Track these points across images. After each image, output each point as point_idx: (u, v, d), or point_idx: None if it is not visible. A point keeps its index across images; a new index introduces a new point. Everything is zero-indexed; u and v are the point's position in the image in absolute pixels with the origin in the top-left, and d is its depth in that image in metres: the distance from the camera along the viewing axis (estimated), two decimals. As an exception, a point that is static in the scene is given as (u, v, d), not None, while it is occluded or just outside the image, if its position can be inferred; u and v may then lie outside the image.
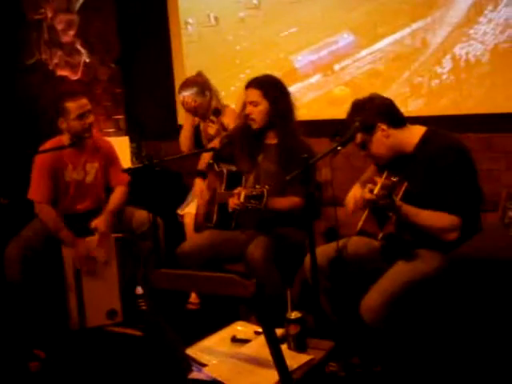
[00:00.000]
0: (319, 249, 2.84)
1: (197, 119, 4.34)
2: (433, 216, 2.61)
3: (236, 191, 3.16)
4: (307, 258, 2.83)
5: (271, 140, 3.43)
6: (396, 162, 2.79)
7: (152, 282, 2.16)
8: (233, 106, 4.17)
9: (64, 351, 3.48)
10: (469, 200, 2.66)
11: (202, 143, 4.32)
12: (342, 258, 2.87)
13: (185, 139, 4.36)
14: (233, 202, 3.18)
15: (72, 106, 3.66)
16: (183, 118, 4.46)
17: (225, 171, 3.48)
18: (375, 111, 2.74)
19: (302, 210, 3.23)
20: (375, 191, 2.52)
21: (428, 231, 2.63)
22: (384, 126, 2.73)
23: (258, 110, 3.35)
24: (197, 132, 4.36)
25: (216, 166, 3.56)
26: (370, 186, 2.58)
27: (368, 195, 2.56)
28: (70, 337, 3.65)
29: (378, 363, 2.86)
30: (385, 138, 2.73)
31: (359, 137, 2.76)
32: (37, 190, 3.71)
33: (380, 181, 2.56)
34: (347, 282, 2.95)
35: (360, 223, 2.84)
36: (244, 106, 3.43)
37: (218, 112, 4.21)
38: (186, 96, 4.22)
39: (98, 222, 3.74)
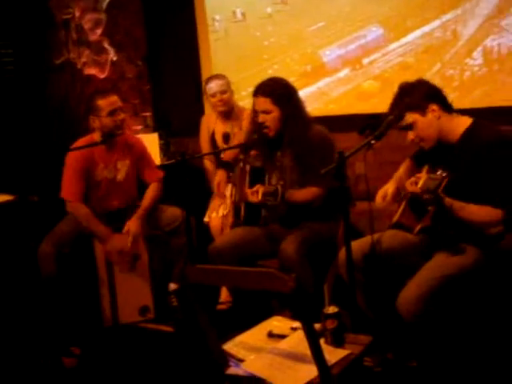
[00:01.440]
0: (353, 243, 2.82)
1: (211, 125, 4.34)
2: (478, 210, 2.56)
3: (254, 189, 3.19)
4: (341, 253, 2.81)
5: (286, 137, 3.40)
6: (436, 155, 2.76)
7: (189, 277, 2.15)
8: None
9: (98, 347, 3.50)
10: None
11: (218, 146, 4.32)
12: (376, 253, 2.85)
13: (204, 143, 4.43)
14: (252, 200, 3.20)
15: (103, 103, 3.67)
16: (205, 122, 4.48)
17: (247, 169, 3.47)
18: (426, 92, 2.73)
19: (323, 200, 3.28)
20: (419, 184, 2.49)
21: (472, 225, 2.58)
22: (435, 107, 2.70)
23: (272, 118, 3.32)
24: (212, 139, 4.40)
25: (242, 163, 3.55)
26: (413, 178, 2.55)
27: (411, 188, 2.53)
28: (104, 333, 3.67)
29: (414, 358, 2.84)
30: (435, 120, 2.71)
31: (409, 117, 2.73)
32: (69, 189, 3.73)
33: (423, 174, 2.53)
34: (382, 277, 2.93)
35: (396, 216, 2.81)
36: (255, 113, 3.39)
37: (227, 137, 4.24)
38: (214, 86, 4.22)
39: (131, 224, 3.75)
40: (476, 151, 2.62)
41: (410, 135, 2.78)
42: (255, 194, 3.17)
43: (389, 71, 4.48)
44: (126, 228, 3.74)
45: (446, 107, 2.74)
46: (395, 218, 2.85)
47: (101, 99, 3.68)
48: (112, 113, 3.67)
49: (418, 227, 2.74)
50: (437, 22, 4.22)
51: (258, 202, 3.17)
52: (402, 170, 3.04)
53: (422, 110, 2.71)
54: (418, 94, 2.72)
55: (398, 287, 2.79)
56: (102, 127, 3.70)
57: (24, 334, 3.49)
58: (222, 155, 4.19)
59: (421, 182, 2.51)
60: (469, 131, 2.71)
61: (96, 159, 3.76)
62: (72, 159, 3.72)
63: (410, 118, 2.73)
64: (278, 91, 3.32)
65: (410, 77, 4.31)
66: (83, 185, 3.74)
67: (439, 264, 2.64)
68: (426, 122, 2.72)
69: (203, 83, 4.45)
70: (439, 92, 2.77)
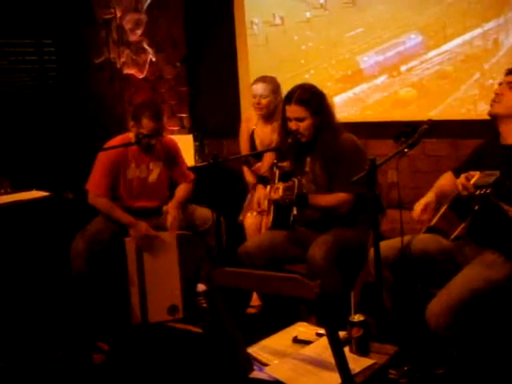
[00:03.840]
0: (384, 243, 2.80)
1: (251, 126, 4.36)
2: None
3: (275, 186, 3.21)
4: (371, 252, 2.79)
5: (318, 144, 3.39)
6: (486, 158, 2.73)
7: (216, 280, 2.17)
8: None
9: (126, 345, 3.54)
10: None
11: (257, 148, 4.33)
12: (407, 254, 2.82)
13: (244, 143, 4.44)
14: (273, 197, 3.22)
15: (148, 124, 3.69)
16: (245, 121, 4.50)
17: (277, 173, 3.48)
18: None
19: (351, 206, 3.27)
20: (473, 180, 2.46)
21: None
22: None
23: (305, 125, 3.31)
24: (251, 139, 4.40)
25: (275, 168, 3.56)
26: (465, 174, 2.52)
27: (463, 182, 2.50)
28: (132, 331, 3.71)
29: (440, 366, 2.82)
30: None
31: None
32: (94, 182, 3.80)
33: (476, 172, 2.50)
34: (411, 279, 2.91)
35: (434, 220, 2.79)
36: (285, 120, 3.38)
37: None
38: (257, 88, 4.23)
39: (169, 207, 3.84)
40: None
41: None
42: (276, 190, 3.18)
43: (426, 79, 4.44)
44: (164, 208, 3.84)
45: None
46: (433, 222, 2.82)
47: (148, 120, 3.69)
48: (149, 136, 3.71)
49: (455, 233, 2.71)
50: (478, 31, 4.17)
51: (278, 198, 3.17)
52: (440, 182, 3.01)
53: None
54: None
55: (427, 293, 2.78)
56: (138, 135, 3.74)
57: (54, 329, 3.54)
58: (259, 170, 4.18)
59: (475, 178, 2.47)
60: None
61: (129, 158, 3.82)
62: (104, 155, 3.78)
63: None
64: (311, 99, 3.32)
65: (448, 86, 4.35)
66: (109, 181, 3.79)
67: (470, 277, 2.61)
68: None
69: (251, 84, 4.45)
70: None
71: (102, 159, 3.79)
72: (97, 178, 3.80)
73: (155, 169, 3.91)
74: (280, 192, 3.15)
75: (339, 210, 3.29)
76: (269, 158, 4.03)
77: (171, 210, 3.83)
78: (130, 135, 3.82)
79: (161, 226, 3.84)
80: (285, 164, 3.45)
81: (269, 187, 3.29)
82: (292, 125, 3.32)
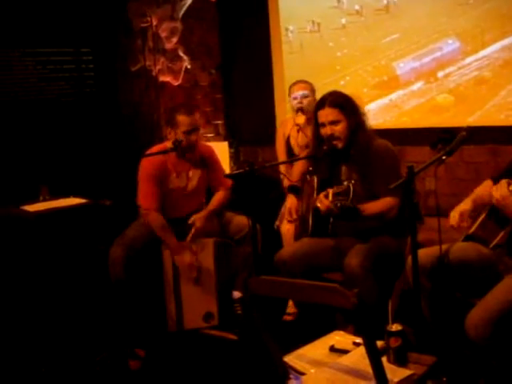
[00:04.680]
0: (422, 250, 2.76)
1: (287, 131, 4.34)
2: None
3: (324, 192, 3.13)
4: (409, 260, 2.75)
5: (353, 149, 3.35)
6: None
7: (252, 288, 2.16)
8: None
9: (162, 352, 3.55)
10: None
11: (294, 154, 4.31)
12: (446, 261, 2.78)
13: (280, 149, 4.42)
14: (323, 204, 3.12)
15: (184, 120, 3.73)
16: (281, 126, 4.49)
17: (315, 180, 3.45)
18: None
19: (398, 210, 3.21)
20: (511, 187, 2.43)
21: None
22: None
23: (341, 128, 3.28)
24: (287, 144, 4.38)
25: (308, 177, 3.54)
26: (506, 180, 2.49)
27: (500, 192, 2.46)
28: (168, 338, 3.72)
29: (479, 378, 2.77)
30: None
31: None
32: (145, 196, 3.78)
33: None
34: (450, 288, 2.87)
35: (473, 227, 2.75)
36: (317, 127, 3.36)
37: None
38: (298, 88, 4.23)
39: (196, 218, 3.81)
40: None
41: None
42: (326, 197, 3.10)
43: (464, 85, 4.39)
44: (191, 219, 3.79)
45: None
46: (472, 230, 2.79)
47: (182, 115, 3.74)
48: (188, 132, 3.73)
49: (495, 241, 2.67)
50: (516, 36, 4.11)
51: (328, 205, 3.06)
52: (480, 189, 2.96)
53: None
54: None
55: (466, 302, 2.74)
56: (175, 141, 3.74)
57: (94, 335, 3.58)
58: (291, 180, 4.16)
59: None
60: None
61: (169, 167, 3.82)
62: (147, 166, 3.78)
63: None
64: (344, 102, 3.32)
65: (486, 92, 4.29)
66: (159, 193, 3.79)
67: (510, 287, 2.56)
68: None
69: (289, 87, 4.44)
70: None
71: (146, 171, 3.78)
72: (146, 191, 3.78)
73: (194, 176, 3.92)
74: (330, 197, 3.05)
75: (388, 215, 3.24)
76: (300, 166, 4.00)
77: (197, 221, 3.79)
78: (168, 144, 3.82)
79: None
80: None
81: (307, 195, 3.23)
82: (327, 129, 3.30)
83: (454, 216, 2.84)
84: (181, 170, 3.87)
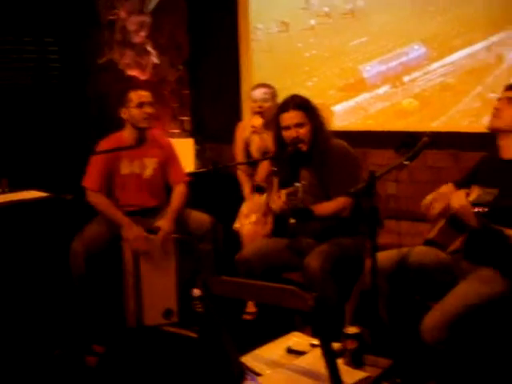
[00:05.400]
0: (381, 253, 2.79)
1: (246, 133, 4.35)
2: None
3: (277, 193, 3.19)
4: (368, 262, 2.78)
5: (315, 152, 3.37)
6: (486, 172, 2.75)
7: (211, 288, 2.16)
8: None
9: (120, 348, 3.52)
10: None
11: (252, 156, 4.32)
12: (404, 265, 2.82)
13: (239, 152, 4.43)
14: (276, 205, 3.19)
15: (133, 95, 3.83)
16: (240, 129, 4.49)
17: (276, 180, 3.47)
18: None
19: (357, 212, 3.24)
20: (471, 197, 2.47)
21: (507, 249, 2.54)
22: None
23: (305, 131, 3.30)
24: (246, 148, 4.39)
25: (273, 178, 3.55)
26: (464, 190, 2.52)
27: (459, 201, 2.50)
28: (127, 334, 3.70)
29: (430, 380, 2.81)
30: None
31: None
32: (90, 178, 3.80)
33: (476, 187, 2.50)
34: (408, 291, 2.91)
35: (432, 233, 2.78)
36: (279, 131, 3.36)
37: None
38: (259, 93, 4.23)
39: (163, 223, 3.79)
40: None
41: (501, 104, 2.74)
42: (279, 198, 3.15)
43: (429, 90, 4.44)
44: (158, 224, 3.78)
45: None
46: (431, 235, 2.82)
47: (133, 92, 3.86)
48: (140, 105, 3.80)
49: (453, 247, 2.71)
50: (482, 44, 4.17)
51: (281, 205, 3.13)
52: (442, 189, 3.00)
53: None
54: None
55: (424, 305, 2.77)
56: (130, 118, 3.82)
57: (52, 329, 3.54)
58: (256, 180, 4.17)
59: (473, 195, 2.47)
60: None
61: (122, 153, 3.83)
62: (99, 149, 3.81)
63: None
64: (307, 105, 3.34)
65: (450, 98, 4.34)
66: (105, 175, 3.80)
67: (466, 292, 2.60)
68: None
69: (251, 90, 4.45)
70: None
71: (96, 156, 3.81)
72: (92, 173, 3.81)
73: (150, 165, 3.92)
74: (283, 198, 3.11)
75: (341, 215, 3.28)
76: (265, 166, 4.01)
77: (165, 226, 3.78)
78: (124, 134, 3.86)
79: (155, 230, 3.82)
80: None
81: (271, 195, 3.26)
82: (292, 132, 3.30)
83: (427, 199, 2.87)
84: (134, 156, 3.86)
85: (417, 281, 2.89)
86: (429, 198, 2.89)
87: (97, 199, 3.79)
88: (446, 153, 4.35)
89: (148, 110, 3.83)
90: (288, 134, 3.32)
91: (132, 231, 3.71)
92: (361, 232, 3.34)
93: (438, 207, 2.81)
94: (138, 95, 3.83)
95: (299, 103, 3.32)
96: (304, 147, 3.32)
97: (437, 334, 2.55)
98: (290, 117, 3.30)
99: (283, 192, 3.13)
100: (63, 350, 3.36)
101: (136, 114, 3.80)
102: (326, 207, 3.26)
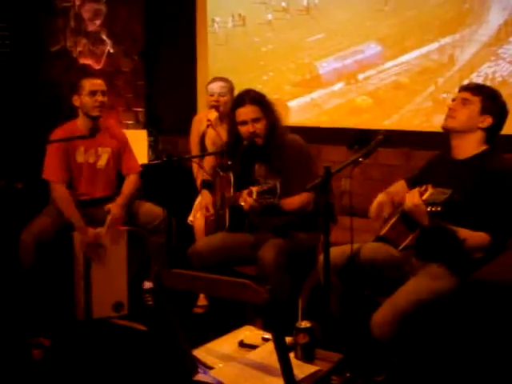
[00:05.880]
0: (334, 249, 2.80)
1: (202, 127, 4.33)
2: (469, 235, 2.57)
3: (246, 190, 3.15)
4: (321, 258, 2.80)
5: (271, 147, 3.37)
6: (438, 171, 2.80)
7: (164, 281, 2.15)
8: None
9: (68, 341, 3.48)
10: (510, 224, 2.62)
11: (207, 150, 4.31)
12: (356, 261, 2.85)
13: (194, 145, 4.43)
14: (247, 203, 3.14)
15: (86, 83, 3.78)
16: (196, 122, 4.47)
17: (231, 175, 3.46)
18: (501, 107, 2.75)
19: (314, 205, 3.28)
20: (425, 196, 2.51)
21: (457, 248, 2.59)
22: (489, 120, 2.72)
23: (261, 126, 3.30)
24: (201, 141, 4.39)
25: (221, 172, 3.53)
26: (417, 189, 2.57)
27: (413, 199, 2.53)
28: (76, 327, 3.65)
29: (380, 373, 2.86)
30: (477, 122, 2.73)
31: (476, 100, 2.73)
32: (51, 170, 3.75)
33: (429, 187, 2.54)
34: (359, 286, 2.95)
35: (384, 230, 2.82)
36: (234, 126, 3.36)
37: None
38: (216, 87, 4.22)
39: (113, 206, 3.77)
40: (492, 175, 2.63)
41: (455, 105, 2.77)
42: (249, 195, 3.11)
43: (382, 89, 4.49)
44: (106, 207, 3.75)
45: (495, 132, 2.76)
46: (383, 232, 2.85)
47: (85, 79, 3.82)
48: (93, 93, 3.75)
49: (404, 244, 2.75)
50: (435, 45, 4.24)
51: (252, 203, 3.09)
52: (394, 188, 3.05)
53: (484, 111, 2.72)
54: (496, 103, 2.75)
55: (373, 301, 2.81)
56: (82, 106, 3.77)
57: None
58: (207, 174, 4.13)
59: (427, 194, 2.51)
60: (486, 152, 2.73)
61: (77, 142, 3.78)
62: (55, 138, 3.75)
63: (475, 102, 2.74)
64: (263, 100, 3.34)
65: (403, 97, 4.41)
66: (65, 166, 3.76)
67: (416, 288, 2.65)
68: (470, 114, 2.73)
69: (207, 83, 4.42)
70: (505, 117, 2.78)
71: (53, 146, 3.75)
72: (51, 164, 3.76)
73: (103, 154, 3.88)
74: (254, 196, 3.07)
75: (306, 209, 3.29)
76: (211, 161, 3.97)
77: (114, 209, 3.76)
78: (77, 122, 3.83)
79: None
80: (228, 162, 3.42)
81: (241, 193, 3.20)
82: (249, 127, 3.29)
83: (373, 207, 2.92)
84: (89, 146, 3.83)
85: (368, 276, 2.93)
86: (377, 200, 2.94)
87: (60, 193, 3.74)
88: (398, 151, 4.41)
89: (100, 98, 3.77)
90: (245, 129, 3.31)
91: (86, 237, 3.68)
92: (314, 226, 3.37)
93: (386, 213, 2.87)
94: (90, 83, 3.78)
95: (255, 98, 3.31)
96: (260, 141, 3.32)
97: (386, 329, 2.59)
98: (247, 112, 3.29)
99: (254, 190, 3.10)
100: (9, 343, 3.28)
101: (87, 102, 3.75)
102: (292, 202, 3.26)
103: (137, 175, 3.98)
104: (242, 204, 3.16)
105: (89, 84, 3.77)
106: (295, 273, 3.30)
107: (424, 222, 2.56)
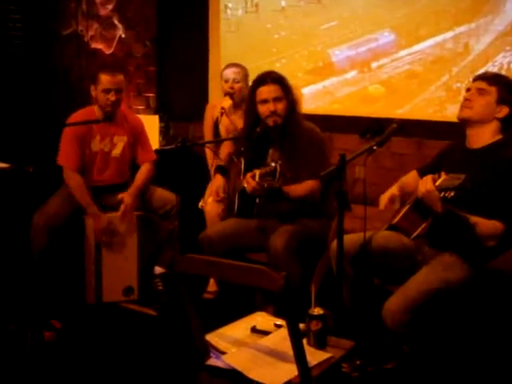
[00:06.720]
0: (346, 237, 2.80)
1: (216, 113, 4.31)
2: (482, 222, 2.55)
3: (250, 173, 3.15)
4: (333, 244, 2.80)
5: (289, 129, 3.36)
6: (451, 160, 2.79)
7: (179, 266, 2.15)
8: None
9: (79, 324, 3.49)
10: None
11: (221, 136, 4.30)
12: (368, 249, 2.85)
13: (208, 130, 4.40)
14: (249, 185, 3.15)
15: (104, 78, 3.71)
16: (210, 108, 4.45)
17: (242, 161, 3.45)
18: None
19: (321, 193, 3.27)
20: (438, 182, 2.50)
21: (470, 235, 2.58)
22: (506, 110, 2.72)
23: (282, 106, 3.29)
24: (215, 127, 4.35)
25: (235, 158, 3.53)
26: (430, 176, 2.56)
27: (426, 185, 2.53)
28: (86, 310, 3.66)
29: (390, 361, 2.86)
30: (493, 112, 2.72)
31: (492, 90, 2.72)
32: (66, 156, 3.75)
33: (443, 174, 2.54)
34: (371, 274, 2.95)
35: (397, 218, 2.82)
36: (253, 106, 3.34)
37: None
38: (230, 73, 4.19)
39: (125, 195, 3.76)
40: (500, 164, 2.63)
41: (472, 95, 2.76)
42: (252, 178, 3.12)
43: (396, 77, 4.47)
44: (119, 197, 3.75)
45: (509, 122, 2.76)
46: (395, 220, 2.86)
47: (104, 74, 3.73)
48: (106, 91, 3.70)
49: (416, 232, 2.75)
50: (450, 34, 4.21)
51: (254, 185, 3.11)
52: (406, 178, 3.05)
53: (501, 101, 2.72)
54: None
55: (383, 290, 2.81)
56: (96, 99, 3.76)
57: (7, 304, 3.48)
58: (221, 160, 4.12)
59: (440, 180, 2.51)
60: (498, 143, 2.73)
61: (94, 129, 3.78)
62: (69, 128, 3.73)
63: (494, 91, 2.74)
64: (285, 80, 3.33)
65: (416, 86, 4.39)
66: (80, 153, 3.75)
67: (428, 277, 2.65)
68: (488, 105, 2.73)
69: (222, 69, 4.40)
70: None
71: (68, 132, 3.74)
72: (67, 151, 3.75)
73: (119, 143, 3.87)
74: (257, 178, 3.08)
75: (312, 198, 3.28)
76: (227, 147, 3.97)
77: (127, 198, 3.75)
78: (95, 108, 3.80)
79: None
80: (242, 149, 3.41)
81: (247, 176, 3.20)
82: (269, 106, 3.27)
83: (384, 200, 2.92)
84: (105, 134, 3.81)
85: (379, 265, 2.93)
86: (389, 192, 2.94)
87: (73, 180, 3.74)
88: (410, 140, 4.39)
89: (113, 97, 3.72)
90: (265, 108, 3.29)
91: (97, 222, 3.68)
92: (325, 214, 3.36)
93: (397, 207, 2.87)
94: (106, 80, 3.70)
95: (277, 78, 3.31)
96: (280, 121, 3.29)
97: (398, 318, 2.59)
98: (269, 90, 3.28)
99: (257, 172, 3.11)
100: (18, 325, 3.30)
101: (101, 98, 3.73)
102: (298, 189, 3.25)
103: (151, 164, 3.97)
104: (245, 186, 3.17)
105: (106, 80, 3.70)
106: (305, 260, 3.30)
107: (437, 208, 2.55)
